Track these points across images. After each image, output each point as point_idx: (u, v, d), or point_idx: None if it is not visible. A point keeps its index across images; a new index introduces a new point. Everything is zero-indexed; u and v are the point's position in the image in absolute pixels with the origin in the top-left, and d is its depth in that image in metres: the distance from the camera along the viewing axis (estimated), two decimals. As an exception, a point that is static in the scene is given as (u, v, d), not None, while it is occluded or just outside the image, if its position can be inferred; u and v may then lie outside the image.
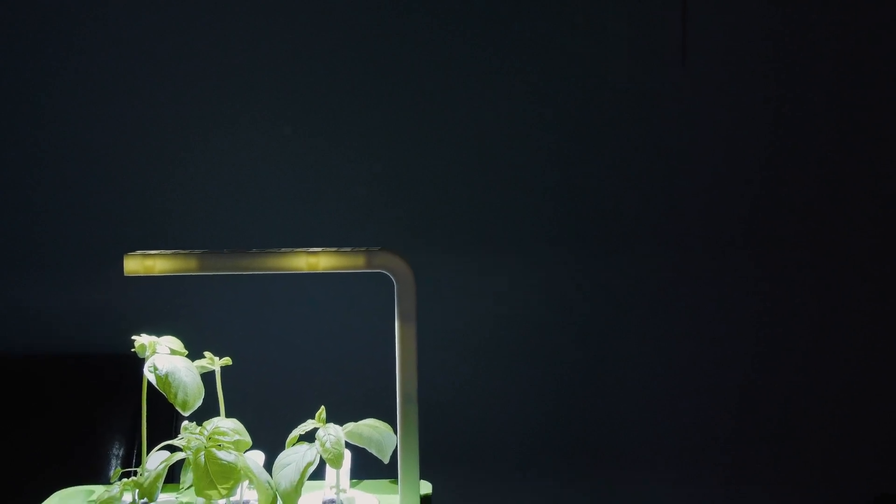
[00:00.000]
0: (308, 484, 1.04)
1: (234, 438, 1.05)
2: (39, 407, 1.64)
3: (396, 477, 1.13)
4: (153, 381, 1.03)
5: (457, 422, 1.81)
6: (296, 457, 1.05)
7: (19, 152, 1.80)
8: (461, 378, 1.82)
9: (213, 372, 1.12)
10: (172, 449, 1.08)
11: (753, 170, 1.83)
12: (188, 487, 1.11)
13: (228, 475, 1.02)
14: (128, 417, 1.63)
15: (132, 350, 1.09)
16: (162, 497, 1.11)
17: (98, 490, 1.13)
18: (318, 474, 1.10)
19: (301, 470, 1.03)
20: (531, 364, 1.83)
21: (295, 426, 1.10)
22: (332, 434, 1.06)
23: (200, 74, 1.79)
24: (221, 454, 1.03)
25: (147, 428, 1.65)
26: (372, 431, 1.11)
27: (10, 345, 1.78)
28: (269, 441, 1.16)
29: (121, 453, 1.57)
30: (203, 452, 1.03)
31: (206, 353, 1.11)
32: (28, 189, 1.80)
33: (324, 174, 1.81)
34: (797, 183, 1.83)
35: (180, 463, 1.10)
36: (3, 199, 1.80)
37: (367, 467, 1.22)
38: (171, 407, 1.64)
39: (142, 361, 1.70)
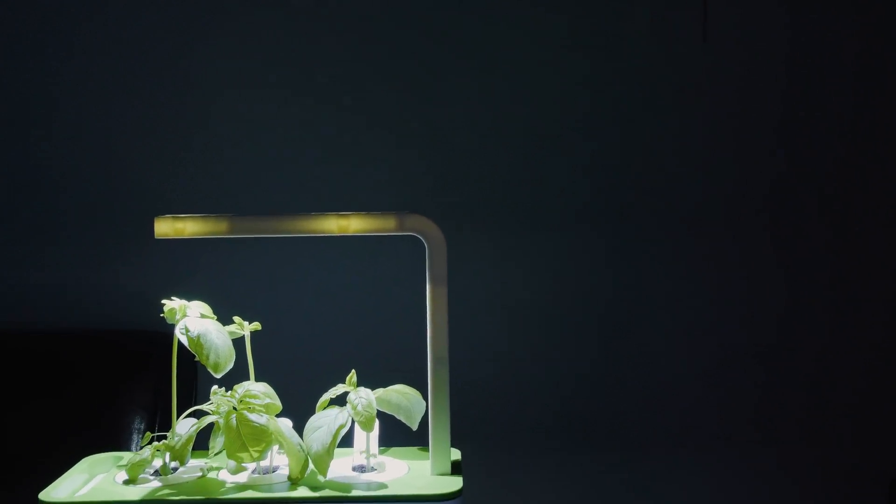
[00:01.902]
0: (336, 451, 1.04)
1: (265, 402, 1.05)
2: (61, 382, 1.63)
3: (424, 445, 1.13)
4: (185, 343, 1.03)
5: (482, 394, 1.81)
6: (327, 420, 1.04)
7: (38, 124, 1.79)
8: (487, 350, 1.82)
9: (241, 338, 1.11)
10: (200, 415, 1.08)
11: (774, 149, 1.82)
12: (217, 453, 1.11)
13: (260, 438, 1.02)
14: (149, 393, 1.62)
15: (161, 315, 1.09)
16: (191, 462, 1.11)
17: (126, 456, 1.13)
18: (346, 441, 1.09)
19: (333, 432, 1.03)
20: (557, 339, 1.83)
21: (322, 394, 1.10)
22: (364, 397, 1.05)
23: (225, 37, 1.79)
24: (253, 417, 1.03)
25: (163, 409, 1.65)
26: (400, 398, 1.10)
27: (30, 321, 1.78)
28: (297, 409, 1.15)
29: (142, 427, 1.57)
30: (234, 415, 1.03)
31: (236, 319, 1.11)
32: (50, 166, 1.80)
33: (352, 143, 1.80)
34: (818, 163, 1.82)
35: (206, 433, 1.10)
36: (27, 176, 1.79)
37: (394, 438, 1.21)
38: (192, 383, 1.65)
39: (161, 337, 1.71)
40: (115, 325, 1.76)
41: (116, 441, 1.56)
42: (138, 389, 1.63)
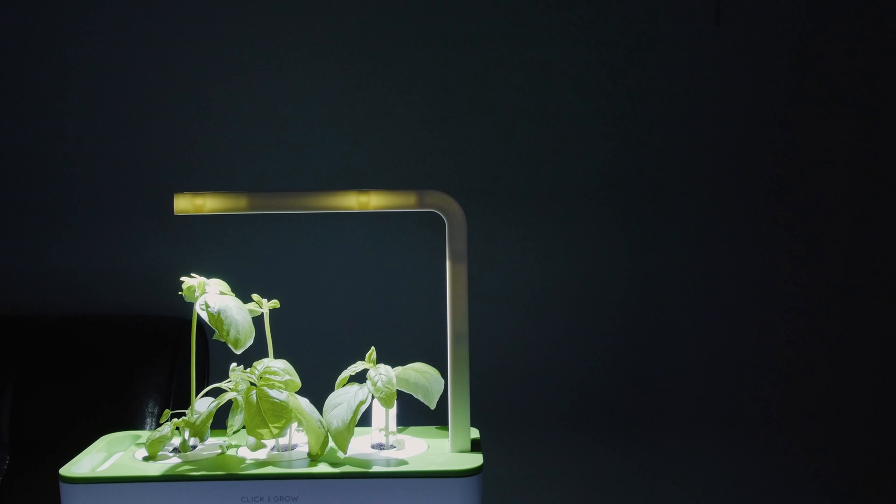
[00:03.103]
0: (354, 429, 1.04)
1: (285, 378, 1.05)
2: (74, 366, 1.63)
3: (441, 425, 1.13)
4: (205, 318, 1.03)
5: (497, 378, 1.81)
6: (347, 396, 1.04)
7: (48, 107, 1.79)
8: (505, 332, 1.81)
9: (260, 316, 1.11)
10: (218, 394, 1.08)
11: (786, 129, 1.82)
12: (235, 431, 1.11)
13: (280, 414, 1.02)
14: (162, 377, 1.62)
15: (180, 292, 1.08)
16: (209, 440, 1.11)
17: (145, 434, 1.13)
18: (364, 421, 1.09)
19: (353, 409, 1.03)
20: (576, 322, 1.82)
21: (339, 373, 1.10)
22: (384, 374, 1.05)
23: (246, 11, 1.78)
24: (273, 393, 1.03)
25: (177, 393, 1.66)
26: (419, 377, 1.10)
27: (45, 305, 1.78)
28: (315, 387, 1.15)
29: (156, 411, 1.57)
30: (255, 391, 1.03)
31: (254, 296, 1.11)
32: (67, 148, 1.80)
33: (374, 125, 1.80)
34: (831, 146, 1.82)
35: (223, 413, 1.09)
36: (40, 160, 1.79)
37: (411, 418, 1.21)
38: (205, 366, 1.65)
39: (174, 322, 1.71)
40: (128, 309, 1.77)
41: (132, 423, 1.56)
42: (152, 374, 1.63)
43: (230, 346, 1.03)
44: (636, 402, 1.84)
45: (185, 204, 1.04)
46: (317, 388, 1.14)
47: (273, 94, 1.79)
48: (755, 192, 1.82)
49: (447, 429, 1.11)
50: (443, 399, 1.10)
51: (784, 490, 1.86)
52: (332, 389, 1.08)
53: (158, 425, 1.06)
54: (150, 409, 1.58)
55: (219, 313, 1.02)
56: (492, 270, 1.80)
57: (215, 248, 1.78)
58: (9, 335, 1.66)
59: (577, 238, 1.82)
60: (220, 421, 1.11)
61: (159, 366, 1.63)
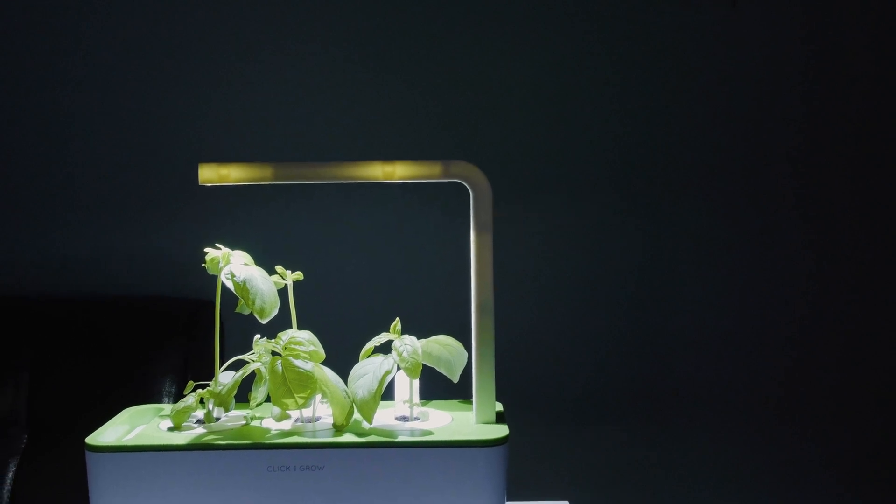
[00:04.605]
0: (378, 402, 1.03)
1: (310, 349, 1.05)
2: (90, 349, 1.63)
3: (464, 399, 1.13)
4: (231, 288, 1.02)
5: (514, 359, 1.81)
6: (372, 367, 1.04)
7: (57, 89, 1.79)
8: (517, 315, 1.81)
9: (283, 289, 1.11)
10: (241, 366, 1.07)
11: (800, 115, 1.82)
12: (259, 404, 1.11)
13: (306, 384, 1.02)
14: (177, 357, 1.62)
15: (203, 264, 1.08)
16: (233, 412, 1.10)
17: (167, 407, 1.13)
18: (386, 395, 1.09)
19: (379, 378, 1.02)
20: (590, 307, 1.82)
21: (362, 346, 1.09)
22: (409, 344, 1.05)
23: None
24: (298, 362, 1.02)
25: (193, 372, 1.65)
26: (441, 350, 1.09)
27: (60, 288, 1.78)
28: (338, 360, 1.15)
29: (172, 390, 1.57)
30: (280, 360, 1.02)
31: (278, 268, 1.11)
32: (79, 130, 1.79)
33: (396, 98, 1.80)
34: (845, 132, 1.82)
35: (245, 388, 1.09)
36: (52, 143, 1.79)
37: (432, 393, 1.21)
38: (221, 349, 1.65)
39: (190, 304, 1.70)
40: (143, 291, 1.77)
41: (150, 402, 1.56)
42: (167, 355, 1.63)
43: (255, 315, 1.02)
44: (646, 384, 1.84)
45: (209, 174, 1.04)
46: (340, 361, 1.13)
47: (293, 71, 1.79)
48: (770, 181, 1.82)
49: (470, 403, 1.10)
50: (465, 374, 1.09)
51: (795, 474, 1.86)
52: (355, 362, 1.08)
53: (182, 397, 1.05)
54: (166, 389, 1.58)
55: (244, 282, 1.02)
56: (507, 252, 1.80)
57: (230, 230, 1.78)
58: (25, 317, 1.66)
59: (592, 225, 1.82)
60: (241, 396, 1.10)
61: (174, 347, 1.63)
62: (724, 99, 1.81)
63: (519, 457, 1.78)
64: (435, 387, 1.21)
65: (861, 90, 1.81)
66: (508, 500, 1.10)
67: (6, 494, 1.52)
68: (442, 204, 1.78)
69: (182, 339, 1.63)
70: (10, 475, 1.53)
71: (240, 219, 1.78)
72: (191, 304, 1.67)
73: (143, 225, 1.79)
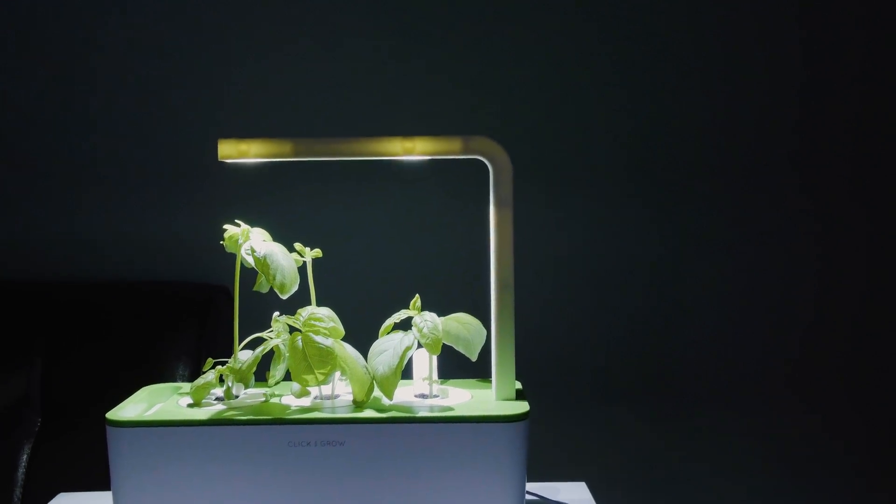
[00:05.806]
0: (396, 380, 1.03)
1: (330, 325, 1.04)
2: (102, 332, 1.63)
3: (482, 378, 1.12)
4: (251, 263, 1.02)
5: (528, 340, 1.80)
6: (392, 343, 1.04)
7: (72, 73, 1.79)
8: (532, 298, 1.81)
9: (302, 266, 1.10)
10: (259, 344, 1.07)
11: (805, 101, 1.81)
12: (277, 382, 1.10)
13: (326, 360, 1.01)
14: (191, 341, 1.62)
15: (221, 242, 1.08)
16: (252, 390, 1.10)
17: (185, 386, 1.12)
18: (405, 374, 1.08)
19: (400, 354, 1.02)
20: (608, 289, 1.82)
21: (381, 324, 1.09)
22: (429, 320, 1.05)
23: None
24: (319, 338, 1.02)
25: (206, 356, 1.65)
26: (460, 328, 1.09)
27: (73, 272, 1.78)
28: (357, 337, 1.14)
29: (186, 374, 1.57)
30: (300, 336, 1.02)
31: (297, 245, 1.10)
32: (92, 115, 1.79)
33: (415, 77, 1.80)
34: (852, 122, 1.82)
35: (264, 367, 1.09)
36: (66, 128, 1.79)
37: (451, 373, 1.20)
38: (230, 330, 1.65)
39: (203, 288, 1.70)
40: (156, 275, 1.77)
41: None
42: (181, 339, 1.63)
43: (276, 290, 1.02)
44: (665, 365, 1.84)
45: (229, 149, 1.04)
46: (359, 338, 1.13)
47: (309, 49, 1.78)
48: (781, 168, 1.82)
49: (488, 382, 1.10)
50: (483, 353, 1.09)
51: (812, 456, 1.86)
52: (374, 339, 1.08)
53: (202, 374, 1.05)
54: (179, 373, 1.58)
55: (265, 258, 1.02)
56: (523, 235, 1.79)
57: (245, 216, 1.77)
58: (39, 302, 1.66)
59: (611, 207, 1.82)
60: (259, 375, 1.10)
61: (188, 331, 1.63)
62: (736, 84, 1.81)
63: (535, 437, 1.77)
64: (451, 367, 1.20)
65: (867, 76, 1.81)
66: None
67: (21, 477, 1.52)
68: (460, 184, 1.77)
69: (195, 323, 1.63)
70: (25, 458, 1.53)
71: (255, 205, 1.77)
72: (204, 289, 1.67)
73: (156, 210, 1.79)
